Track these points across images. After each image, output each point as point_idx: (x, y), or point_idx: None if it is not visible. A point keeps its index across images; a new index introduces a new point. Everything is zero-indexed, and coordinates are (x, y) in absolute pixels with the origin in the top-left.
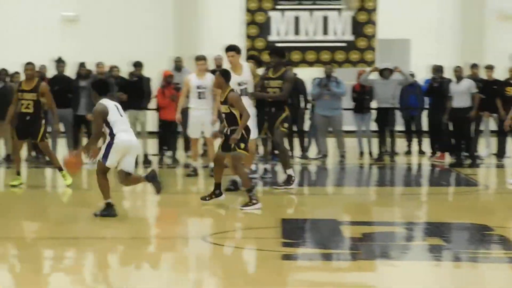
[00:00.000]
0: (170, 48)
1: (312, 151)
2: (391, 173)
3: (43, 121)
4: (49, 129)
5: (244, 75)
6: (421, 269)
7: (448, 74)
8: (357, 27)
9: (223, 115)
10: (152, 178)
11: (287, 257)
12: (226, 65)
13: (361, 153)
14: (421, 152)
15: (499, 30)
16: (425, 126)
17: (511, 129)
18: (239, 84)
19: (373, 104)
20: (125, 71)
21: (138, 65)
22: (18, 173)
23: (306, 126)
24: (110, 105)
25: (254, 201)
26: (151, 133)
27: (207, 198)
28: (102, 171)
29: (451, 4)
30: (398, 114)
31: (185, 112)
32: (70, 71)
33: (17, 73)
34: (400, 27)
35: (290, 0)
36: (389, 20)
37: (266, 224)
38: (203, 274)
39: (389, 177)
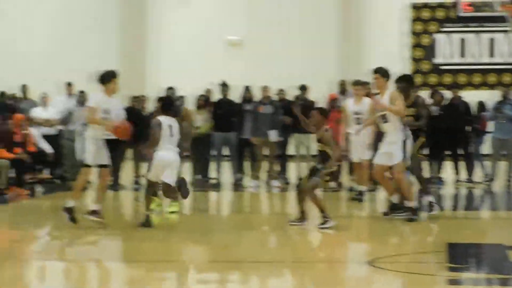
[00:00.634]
0: (333, 71)
1: (478, 175)
2: None
3: None
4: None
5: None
6: None
7: None
8: None
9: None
10: (181, 184)
11: (453, 282)
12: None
13: None
14: None
15: None
16: None
17: None
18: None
19: None
20: (291, 94)
21: (303, 88)
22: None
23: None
24: (164, 122)
25: (327, 220)
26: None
27: (295, 222)
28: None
29: None
30: None
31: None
32: (235, 95)
33: (182, 97)
34: None
35: (456, 22)
36: None
37: (432, 248)
38: None
39: None
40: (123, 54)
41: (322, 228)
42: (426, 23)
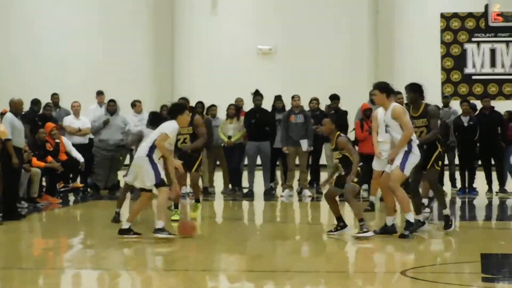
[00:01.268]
0: (365, 81)
1: (510, 186)
2: None
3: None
4: None
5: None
6: None
7: None
8: None
9: (337, 161)
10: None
11: None
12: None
13: None
14: None
15: None
16: None
17: None
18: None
19: None
20: (323, 103)
21: (335, 97)
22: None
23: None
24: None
25: (365, 230)
26: None
27: (332, 230)
28: None
29: None
30: None
31: None
32: (267, 104)
33: (213, 105)
34: None
35: (486, 32)
36: None
37: (466, 258)
38: None
39: None
40: (153, 66)
41: (360, 237)
42: (456, 33)
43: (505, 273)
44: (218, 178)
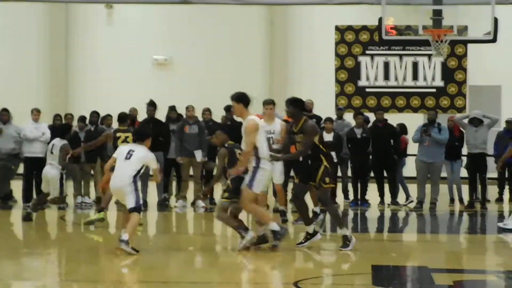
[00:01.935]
0: (261, 92)
1: (402, 197)
2: (482, 220)
3: None
4: None
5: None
6: None
7: None
8: (447, 73)
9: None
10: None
11: None
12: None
13: (452, 200)
14: None
15: None
16: None
17: None
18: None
19: (464, 151)
20: (218, 115)
21: (230, 108)
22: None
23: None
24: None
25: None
26: None
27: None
28: None
29: None
30: (490, 160)
31: None
32: (161, 114)
33: (108, 115)
34: (491, 73)
35: (380, 45)
36: (480, 66)
37: (357, 270)
38: None
39: (480, 224)
40: (48, 75)
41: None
42: (350, 45)
43: (396, 285)
44: None
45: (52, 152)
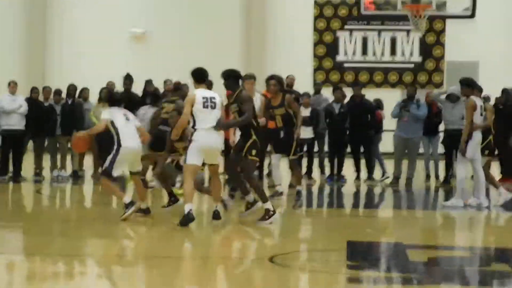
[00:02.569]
0: (239, 67)
1: (378, 173)
2: None
3: None
4: None
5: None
6: None
7: None
8: (426, 49)
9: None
10: None
11: (352, 280)
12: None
13: (428, 176)
14: None
15: None
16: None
17: None
18: None
19: (441, 126)
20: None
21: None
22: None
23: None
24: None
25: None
26: None
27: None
28: None
29: None
30: None
31: None
32: (138, 88)
33: (85, 89)
34: (469, 49)
35: (359, 20)
36: (458, 42)
37: (332, 246)
38: None
39: None
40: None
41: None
42: (329, 20)
43: (370, 261)
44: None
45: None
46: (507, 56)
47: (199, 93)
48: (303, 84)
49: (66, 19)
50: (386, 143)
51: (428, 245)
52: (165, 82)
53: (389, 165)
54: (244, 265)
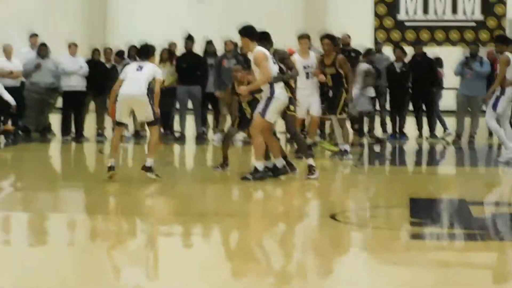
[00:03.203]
0: (299, 23)
1: (439, 130)
2: None
3: None
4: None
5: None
6: None
7: None
8: (487, 7)
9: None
10: None
11: (415, 236)
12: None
13: (491, 133)
14: None
15: None
16: None
17: None
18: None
19: None
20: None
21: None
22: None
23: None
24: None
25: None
26: None
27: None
28: None
29: None
30: None
31: None
32: (198, 48)
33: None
34: None
35: None
36: None
37: (394, 203)
38: (331, 252)
39: None
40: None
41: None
42: None
43: (433, 218)
44: None
45: None
46: None
47: (265, 51)
48: (363, 43)
49: None
50: (446, 101)
51: (491, 202)
52: (225, 42)
53: (449, 122)
54: (305, 222)
